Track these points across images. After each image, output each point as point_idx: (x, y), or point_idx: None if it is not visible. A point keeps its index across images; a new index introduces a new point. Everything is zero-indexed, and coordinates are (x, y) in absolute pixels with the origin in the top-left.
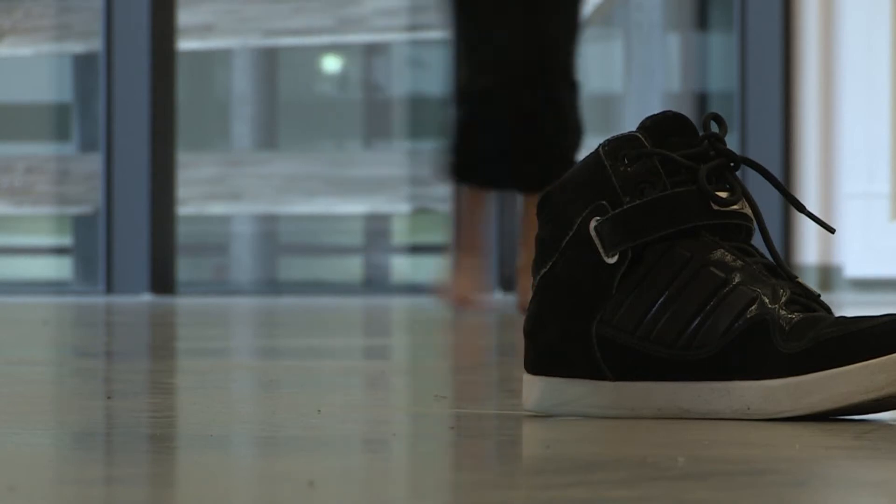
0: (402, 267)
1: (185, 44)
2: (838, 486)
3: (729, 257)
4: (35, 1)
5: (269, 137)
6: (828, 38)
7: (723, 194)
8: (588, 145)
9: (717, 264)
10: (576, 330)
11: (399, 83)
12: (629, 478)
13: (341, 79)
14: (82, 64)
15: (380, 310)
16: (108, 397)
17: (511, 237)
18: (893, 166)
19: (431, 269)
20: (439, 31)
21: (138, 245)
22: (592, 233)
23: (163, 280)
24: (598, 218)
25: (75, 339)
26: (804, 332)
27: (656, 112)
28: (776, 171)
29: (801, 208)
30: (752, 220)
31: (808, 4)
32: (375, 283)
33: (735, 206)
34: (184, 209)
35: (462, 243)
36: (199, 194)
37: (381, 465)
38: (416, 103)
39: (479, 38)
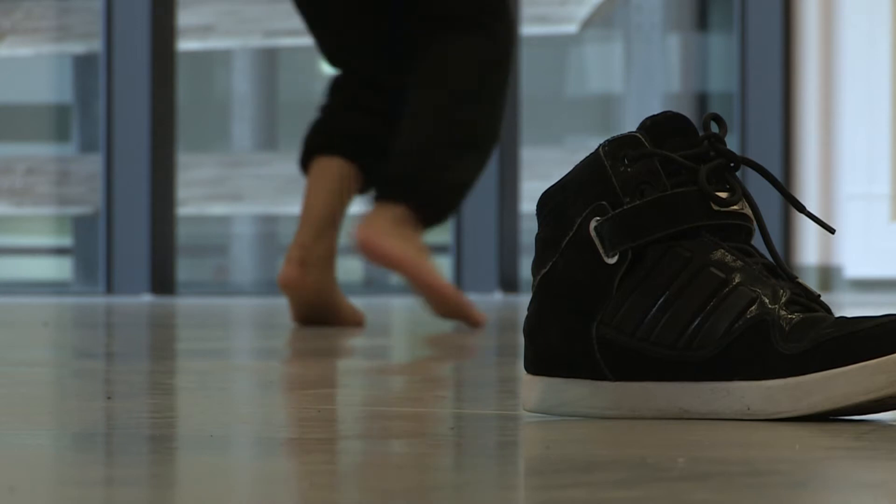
0: None
1: (185, 44)
2: (838, 487)
3: (729, 258)
4: (35, 2)
5: (269, 138)
6: (828, 39)
7: (723, 195)
8: (588, 146)
9: (717, 265)
10: (576, 330)
11: None
12: (629, 478)
13: None
14: (82, 65)
15: (380, 310)
16: (109, 398)
17: (511, 237)
18: (893, 167)
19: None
20: None
21: (138, 246)
22: (592, 233)
23: (163, 281)
24: (599, 218)
25: (75, 340)
26: (804, 332)
27: (656, 112)
28: (776, 171)
29: (801, 208)
30: (752, 220)
31: (808, 5)
32: (375, 283)
33: (735, 207)
34: (184, 210)
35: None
36: (199, 195)
37: (381, 465)
38: None
39: None
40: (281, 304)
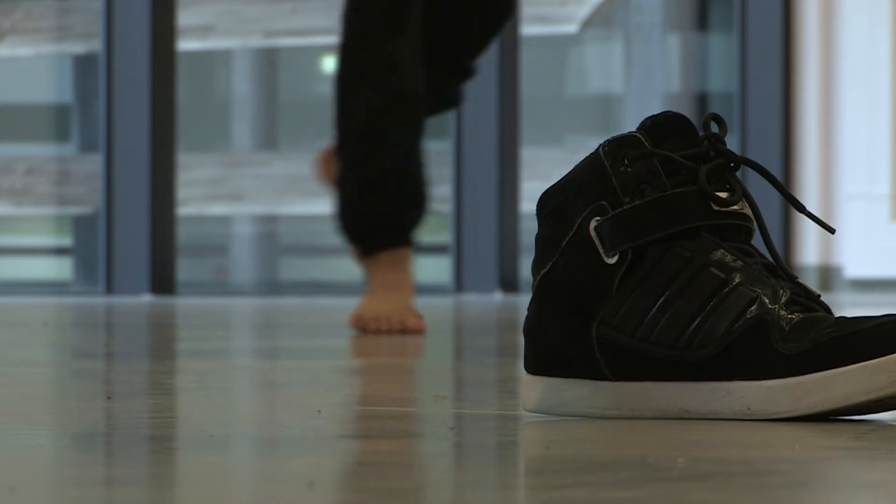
0: None
1: (185, 44)
2: (838, 487)
3: (729, 258)
4: (35, 2)
5: (269, 138)
6: (828, 39)
7: (723, 195)
8: (588, 146)
9: (717, 265)
10: (576, 330)
11: None
12: (629, 478)
13: None
14: (82, 64)
15: None
16: (108, 398)
17: (511, 237)
18: (893, 167)
19: (431, 269)
20: None
21: (138, 246)
22: (592, 233)
23: (163, 281)
24: (599, 218)
25: (75, 340)
26: (804, 332)
27: (656, 112)
28: (776, 171)
29: (801, 208)
30: (752, 220)
31: (808, 5)
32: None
33: (735, 207)
34: (184, 210)
35: None
36: (200, 195)
37: (382, 465)
38: None
39: None
40: (280, 305)
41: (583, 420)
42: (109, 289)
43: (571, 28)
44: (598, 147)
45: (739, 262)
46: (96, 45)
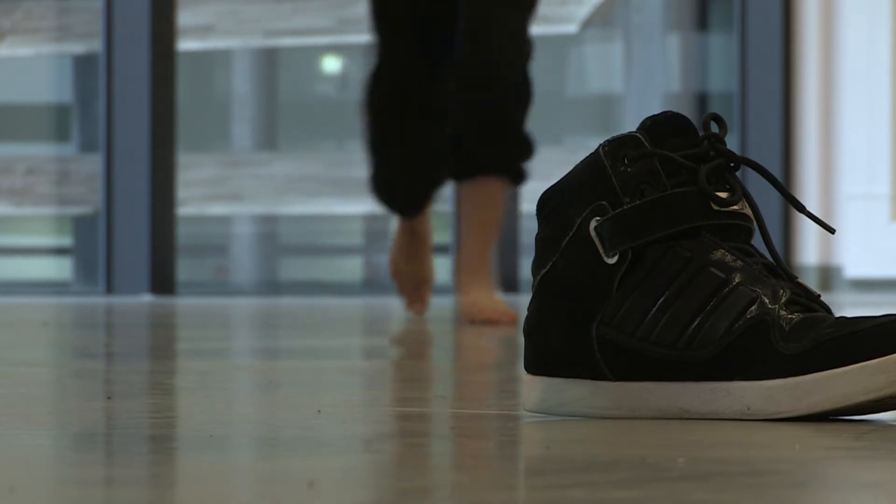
0: None
1: (185, 44)
2: (838, 487)
3: (729, 258)
4: (35, 2)
5: (269, 138)
6: (828, 39)
7: (723, 195)
8: (588, 146)
9: (717, 265)
10: (576, 330)
11: None
12: (629, 478)
13: (341, 79)
14: (82, 64)
15: (380, 310)
16: (108, 398)
17: (511, 237)
18: (893, 167)
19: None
20: None
21: (138, 246)
22: (593, 233)
23: (163, 281)
24: (599, 218)
25: (75, 340)
26: (804, 332)
27: (656, 112)
28: (776, 171)
29: (801, 208)
30: (752, 220)
31: (808, 5)
32: (375, 283)
33: (735, 207)
34: (184, 210)
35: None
36: (200, 195)
37: (381, 465)
38: None
39: None
40: (280, 305)
41: (583, 420)
42: (109, 289)
43: (571, 28)
44: (598, 147)
45: (739, 262)
46: (96, 45)
